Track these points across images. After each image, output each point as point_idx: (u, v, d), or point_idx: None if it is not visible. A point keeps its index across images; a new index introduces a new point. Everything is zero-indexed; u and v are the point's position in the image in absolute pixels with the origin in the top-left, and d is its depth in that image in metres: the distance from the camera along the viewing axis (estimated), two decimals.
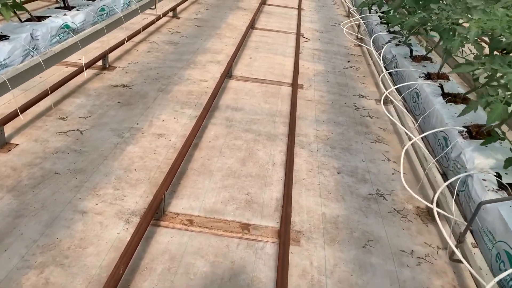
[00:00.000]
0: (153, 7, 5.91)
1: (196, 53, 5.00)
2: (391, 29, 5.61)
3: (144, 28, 5.42)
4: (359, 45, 6.11)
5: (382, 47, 4.87)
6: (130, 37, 4.87)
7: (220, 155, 2.99)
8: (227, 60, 4.78)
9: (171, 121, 3.37)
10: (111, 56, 4.51)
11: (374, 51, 4.90)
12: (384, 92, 3.79)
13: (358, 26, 6.63)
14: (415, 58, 4.53)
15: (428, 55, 4.61)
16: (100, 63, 4.24)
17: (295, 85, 4.23)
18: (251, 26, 6.35)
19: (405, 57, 4.55)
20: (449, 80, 3.98)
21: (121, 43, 4.67)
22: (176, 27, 5.94)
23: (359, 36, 6.28)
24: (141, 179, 2.64)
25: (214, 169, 2.82)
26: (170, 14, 6.45)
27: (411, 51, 4.65)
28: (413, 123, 3.42)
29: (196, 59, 4.79)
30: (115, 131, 3.13)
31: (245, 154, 3.04)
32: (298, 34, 6.17)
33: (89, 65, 4.04)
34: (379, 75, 4.38)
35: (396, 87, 3.99)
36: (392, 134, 3.58)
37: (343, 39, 6.40)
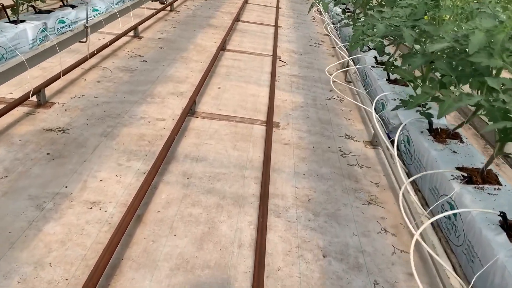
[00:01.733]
0: (84, 39, 4.56)
1: (156, 82, 4.29)
2: (393, 77, 4.39)
3: (98, 51, 4.69)
4: (347, 83, 5.53)
5: (382, 103, 3.95)
6: (75, 65, 4.14)
7: (170, 233, 2.28)
8: (192, 90, 4.10)
9: (111, 181, 2.66)
10: (52, 87, 3.77)
11: (374, 114, 3.50)
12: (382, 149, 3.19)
13: (347, 65, 5.19)
14: (437, 135, 3.09)
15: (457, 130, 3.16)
16: (35, 98, 3.50)
17: (270, 124, 3.57)
18: (222, 47, 5.70)
19: (421, 131, 3.12)
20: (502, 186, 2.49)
21: (67, 70, 3.93)
22: (136, 49, 5.23)
23: (348, 79, 5.00)
24: (56, 280, 1.91)
25: (160, 258, 2.11)
26: (131, 33, 5.74)
27: (430, 124, 3.18)
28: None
29: (154, 91, 4.09)
30: (34, 200, 2.39)
31: (203, 230, 2.34)
32: (275, 57, 5.54)
33: (19, 102, 3.30)
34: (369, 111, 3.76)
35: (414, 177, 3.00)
36: (386, 190, 2.95)
37: (323, 62, 5.80)
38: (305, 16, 8.90)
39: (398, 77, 4.20)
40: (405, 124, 3.28)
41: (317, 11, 9.47)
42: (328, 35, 7.35)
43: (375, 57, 4.99)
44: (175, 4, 7.91)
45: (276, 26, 7.36)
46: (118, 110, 3.59)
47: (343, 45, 5.67)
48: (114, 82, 4.15)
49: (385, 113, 3.79)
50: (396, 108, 3.10)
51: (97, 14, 5.62)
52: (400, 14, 2.31)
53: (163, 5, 7.29)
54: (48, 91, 3.72)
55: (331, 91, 4.74)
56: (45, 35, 4.99)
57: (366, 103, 4.04)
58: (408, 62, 2.48)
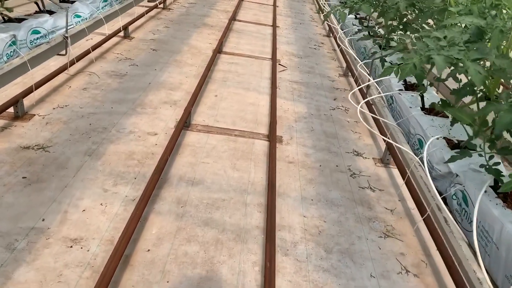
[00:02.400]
0: (64, 52, 3.99)
1: (147, 89, 3.95)
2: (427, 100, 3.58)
3: (85, 54, 4.34)
4: (344, 76, 5.23)
5: (418, 139, 3.29)
6: (59, 71, 3.78)
7: (162, 279, 1.97)
8: (187, 99, 3.78)
9: (95, 211, 2.33)
10: (33, 96, 3.42)
11: (412, 154, 2.76)
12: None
13: (367, 89, 4.20)
14: (508, 198, 2.43)
15: None
16: (11, 109, 3.15)
17: (273, 141, 3.26)
18: (219, 49, 5.36)
19: (485, 191, 2.42)
20: None
21: (47, 79, 3.58)
22: (126, 52, 4.87)
23: (375, 115, 3.59)
24: None
25: None
26: (121, 33, 5.38)
27: (497, 181, 2.51)
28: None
29: (145, 99, 3.75)
30: (4, 238, 2.06)
31: (201, 274, 2.03)
32: (274, 61, 5.22)
33: None
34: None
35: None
36: (403, 219, 2.66)
37: (325, 66, 5.50)
38: (303, 15, 8.58)
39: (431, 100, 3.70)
40: (458, 175, 2.69)
41: (316, 10, 9.15)
42: (328, 37, 7.05)
43: (405, 81, 4.21)
44: (168, 1, 7.54)
45: (274, 26, 7.03)
46: (105, 122, 3.26)
47: (362, 62, 4.41)
48: (101, 90, 3.81)
49: (424, 153, 2.65)
50: (453, 159, 2.49)
51: (80, 21, 4.68)
52: (456, 41, 1.96)
53: (154, 2, 6.89)
54: (28, 100, 3.38)
55: (335, 99, 4.43)
56: (13, 50, 4.23)
57: (398, 138, 3.13)
58: (486, 111, 2.04)
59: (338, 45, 5.36)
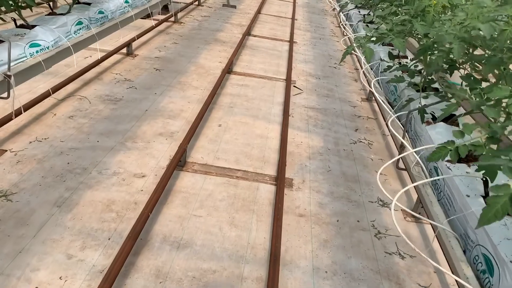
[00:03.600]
0: (5, 95, 2.79)
1: (142, 118, 3.50)
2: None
3: (79, 74, 3.93)
4: (367, 100, 4.68)
5: (484, 257, 1.91)
6: (42, 97, 3.36)
7: None
8: (186, 129, 3.31)
9: (53, 287, 1.85)
10: (8, 126, 3.00)
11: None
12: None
13: (399, 148, 3.09)
14: None
15: None
16: None
17: (281, 183, 2.75)
18: (228, 69, 4.90)
19: None
20: None
21: (30, 105, 3.17)
22: (126, 71, 4.45)
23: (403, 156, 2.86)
24: None
25: None
26: (124, 50, 4.97)
27: None
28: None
29: (138, 131, 3.29)
30: None
31: None
32: (289, 82, 4.72)
33: None
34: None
35: None
36: None
37: (345, 89, 4.96)
38: (323, 29, 8.06)
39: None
40: None
41: (337, 23, 8.62)
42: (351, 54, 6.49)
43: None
44: (179, 15, 7.15)
45: (291, 42, 6.53)
46: (86, 161, 2.80)
47: (395, 116, 3.26)
48: (90, 118, 3.37)
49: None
50: None
51: (38, 51, 3.25)
52: None
53: (165, 15, 6.48)
54: (3, 131, 2.96)
55: (356, 130, 3.89)
56: None
57: (452, 246, 2.05)
58: None
59: (367, 84, 4.46)
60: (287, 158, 3.17)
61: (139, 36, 5.37)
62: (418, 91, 3.38)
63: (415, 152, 2.65)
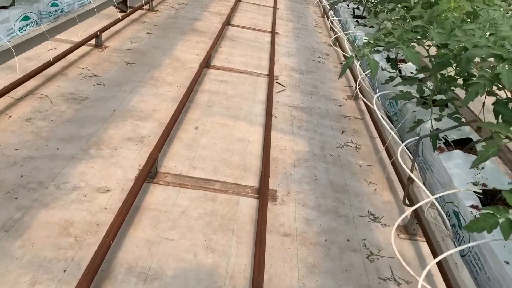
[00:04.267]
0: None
1: (109, 120, 3.16)
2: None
3: (41, 69, 3.55)
4: (353, 98, 4.43)
5: None
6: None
7: None
8: (158, 133, 2.99)
9: None
10: None
11: None
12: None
13: (408, 182, 2.54)
14: None
15: None
16: None
17: (264, 198, 2.47)
18: (206, 62, 4.56)
19: None
20: None
21: None
22: (93, 66, 4.07)
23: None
24: None
25: None
26: (93, 42, 4.57)
27: None
28: None
29: (104, 135, 2.95)
30: None
31: None
32: (271, 78, 4.42)
33: None
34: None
35: None
36: None
37: (330, 86, 4.70)
38: (306, 20, 7.76)
39: None
40: None
41: (320, 13, 8.33)
42: (335, 46, 6.22)
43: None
44: (155, 2, 6.72)
45: (273, 33, 6.22)
46: (43, 173, 2.46)
47: (404, 144, 2.80)
48: (50, 121, 3.01)
49: None
50: None
51: None
52: None
53: (124, 13, 5.62)
54: None
55: (343, 132, 3.64)
56: None
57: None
58: None
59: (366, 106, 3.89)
60: (270, 165, 2.90)
61: (110, 25, 4.97)
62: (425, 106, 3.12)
63: (433, 197, 2.17)
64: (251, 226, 2.35)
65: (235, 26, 6.43)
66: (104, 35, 4.84)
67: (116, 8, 5.82)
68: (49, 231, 2.07)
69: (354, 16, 6.28)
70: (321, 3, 8.59)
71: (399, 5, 3.14)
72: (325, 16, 7.85)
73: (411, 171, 2.45)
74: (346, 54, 4.80)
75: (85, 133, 2.94)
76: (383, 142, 3.30)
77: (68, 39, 4.49)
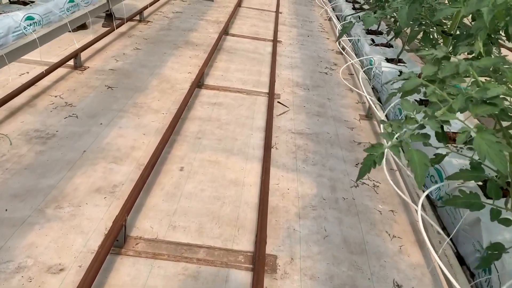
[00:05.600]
0: None
1: (77, 164, 2.64)
2: None
3: (4, 101, 3.07)
4: (366, 118, 3.87)
5: None
6: None
7: None
8: (134, 179, 2.47)
9: None
10: None
11: None
12: None
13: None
14: None
15: None
16: None
17: (259, 271, 1.93)
18: (199, 82, 4.03)
19: None
20: None
21: None
22: (69, 92, 3.56)
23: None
24: None
25: None
26: (71, 62, 4.08)
27: None
28: None
29: (68, 186, 2.44)
30: None
31: None
32: (272, 98, 3.88)
33: None
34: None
35: None
36: None
37: (340, 103, 4.14)
38: (311, 24, 7.19)
39: None
40: None
41: (326, 17, 7.75)
42: (343, 54, 5.64)
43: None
44: (147, 12, 6.22)
45: (275, 41, 5.67)
46: None
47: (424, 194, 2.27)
48: (4, 170, 2.51)
49: None
50: None
51: None
52: None
53: (108, 28, 5.06)
54: None
55: (357, 165, 3.08)
56: None
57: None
58: None
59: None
60: (270, 218, 2.36)
61: (94, 41, 4.48)
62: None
63: None
64: None
65: (233, 35, 5.89)
66: (86, 53, 4.35)
67: (86, 27, 5.27)
68: None
69: (368, 32, 5.54)
70: (326, 5, 8.01)
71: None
72: (331, 19, 7.28)
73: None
74: (360, 92, 4.15)
75: (44, 184, 2.43)
76: (404, 178, 2.74)
77: (43, 60, 4.00)
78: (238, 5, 7.63)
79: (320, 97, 4.21)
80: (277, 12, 7.50)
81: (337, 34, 6.29)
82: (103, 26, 5.32)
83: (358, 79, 4.41)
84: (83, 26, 5.02)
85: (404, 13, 2.61)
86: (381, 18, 2.99)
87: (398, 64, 4.28)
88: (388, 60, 4.32)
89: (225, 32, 5.84)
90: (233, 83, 4.26)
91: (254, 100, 3.94)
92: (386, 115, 3.51)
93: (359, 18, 4.42)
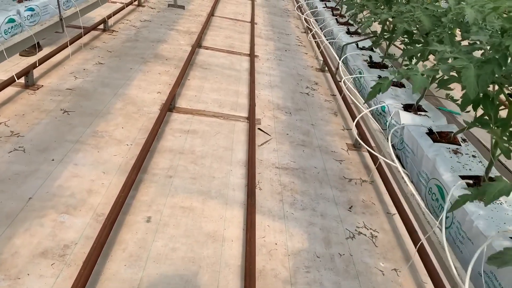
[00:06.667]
0: None
1: (19, 218, 2.15)
2: None
3: None
4: (355, 148, 3.54)
5: None
6: None
7: None
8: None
9: None
10: None
11: None
12: None
13: None
14: None
15: None
16: None
17: None
18: (170, 104, 3.59)
19: None
20: None
21: None
22: (16, 118, 3.04)
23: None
24: None
25: None
26: (22, 80, 3.54)
27: None
28: None
29: (5, 250, 1.95)
30: None
31: None
32: (252, 123, 3.49)
33: None
34: None
35: None
36: None
37: (325, 130, 3.79)
38: (288, 37, 6.86)
39: None
40: None
41: (303, 29, 7.44)
42: (323, 71, 5.32)
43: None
44: (112, 20, 5.69)
45: (252, 56, 5.29)
46: None
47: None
48: None
49: None
50: None
51: None
52: None
53: (30, 56, 4.10)
54: None
55: (350, 208, 2.73)
56: None
57: None
58: None
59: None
60: (256, 285, 1.96)
61: (51, 54, 3.94)
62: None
63: None
64: None
65: (206, 48, 5.46)
66: (40, 69, 3.83)
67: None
68: None
69: (372, 65, 4.02)
70: (302, 15, 7.69)
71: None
72: (308, 31, 6.97)
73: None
74: (357, 103, 3.64)
75: None
76: (406, 223, 2.39)
77: None
78: (211, 14, 7.21)
79: (303, 122, 3.85)
80: (252, 22, 7.12)
81: (317, 50, 5.97)
82: (20, 55, 4.05)
83: (370, 132, 3.20)
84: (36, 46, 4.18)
85: (471, 77, 1.62)
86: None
87: (418, 113, 2.98)
88: (405, 107, 3.07)
89: (198, 44, 5.41)
90: (208, 105, 3.84)
91: (232, 126, 3.53)
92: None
93: (358, 47, 3.96)
